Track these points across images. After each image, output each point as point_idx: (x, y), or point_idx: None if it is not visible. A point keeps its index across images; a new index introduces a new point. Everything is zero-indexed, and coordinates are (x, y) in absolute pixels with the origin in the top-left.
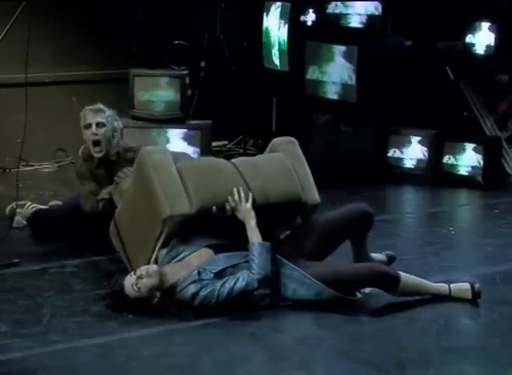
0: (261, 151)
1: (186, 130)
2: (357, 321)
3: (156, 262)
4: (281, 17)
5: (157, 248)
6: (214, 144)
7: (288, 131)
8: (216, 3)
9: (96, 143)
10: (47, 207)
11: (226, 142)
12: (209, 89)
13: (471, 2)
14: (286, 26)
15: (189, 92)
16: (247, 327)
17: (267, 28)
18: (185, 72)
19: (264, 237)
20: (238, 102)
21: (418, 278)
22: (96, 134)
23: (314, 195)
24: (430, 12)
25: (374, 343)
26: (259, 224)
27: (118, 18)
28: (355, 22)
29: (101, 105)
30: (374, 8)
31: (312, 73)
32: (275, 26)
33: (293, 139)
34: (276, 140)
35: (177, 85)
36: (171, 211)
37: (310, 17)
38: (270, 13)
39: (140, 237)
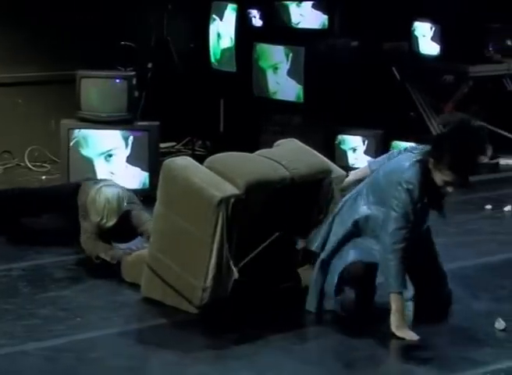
0: (210, 152)
1: (133, 132)
2: (307, 321)
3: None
4: (228, 18)
5: (214, 251)
6: (162, 145)
7: (236, 132)
8: (163, 4)
9: None
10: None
11: (174, 143)
12: (156, 90)
13: (417, 3)
14: (234, 27)
15: (136, 93)
16: (197, 328)
17: (214, 29)
18: (132, 73)
19: (300, 219)
20: (186, 104)
21: None
22: None
23: (338, 169)
24: (376, 13)
25: (324, 343)
26: (294, 204)
27: (64, 19)
28: (302, 23)
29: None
30: (321, 10)
31: (259, 74)
32: (222, 27)
33: (292, 139)
34: (277, 142)
35: (124, 86)
36: (221, 194)
37: (257, 18)
38: (217, 14)
39: (190, 255)
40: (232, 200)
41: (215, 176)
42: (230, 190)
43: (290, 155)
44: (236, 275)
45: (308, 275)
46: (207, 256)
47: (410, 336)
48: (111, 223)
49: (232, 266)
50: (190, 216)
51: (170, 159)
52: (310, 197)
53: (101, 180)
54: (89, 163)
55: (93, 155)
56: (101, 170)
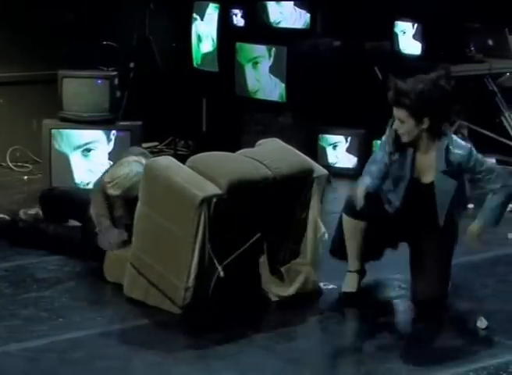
0: (192, 152)
1: (115, 132)
2: (289, 321)
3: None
4: (210, 18)
5: (196, 250)
6: (144, 145)
7: (218, 132)
8: (145, 3)
9: None
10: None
11: (157, 143)
12: (139, 90)
13: (399, 3)
14: (216, 26)
15: (118, 93)
16: (179, 329)
17: (196, 28)
18: (114, 73)
19: (282, 218)
20: (168, 103)
21: None
22: None
23: (320, 168)
24: (358, 13)
25: (306, 342)
26: (276, 203)
27: (46, 18)
28: (283, 22)
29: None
30: (300, 8)
31: (239, 72)
32: (204, 27)
33: (274, 138)
34: (259, 142)
35: (106, 86)
36: (203, 193)
37: (239, 18)
38: (199, 14)
39: (172, 254)
40: (215, 199)
41: (197, 176)
42: (212, 189)
43: (272, 155)
44: (221, 273)
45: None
46: (189, 256)
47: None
48: (113, 191)
49: (217, 265)
50: (172, 215)
51: (152, 159)
52: (292, 196)
53: (142, 156)
54: (68, 162)
55: (72, 153)
56: (80, 168)
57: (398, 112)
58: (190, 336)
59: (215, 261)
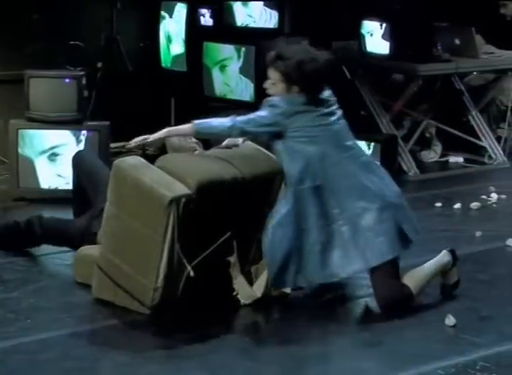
0: (161, 152)
1: (83, 132)
2: (258, 320)
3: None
4: (178, 17)
5: (165, 251)
6: (112, 145)
7: None
8: (112, 2)
9: None
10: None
11: (125, 143)
12: (106, 90)
13: (367, 2)
14: (184, 26)
15: (86, 93)
16: (148, 329)
17: (165, 27)
18: (81, 73)
19: (252, 218)
20: (136, 103)
21: (419, 272)
22: None
23: None
24: (326, 12)
25: (275, 341)
26: (246, 203)
27: (11, 18)
28: (251, 23)
29: None
30: (271, 8)
31: (206, 74)
32: (172, 27)
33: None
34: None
35: (74, 86)
36: (172, 194)
37: (207, 18)
38: (167, 13)
39: (140, 255)
40: (184, 199)
41: (166, 176)
42: (181, 189)
43: (241, 155)
44: (191, 273)
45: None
46: (158, 256)
47: None
48: None
49: (187, 264)
50: (140, 216)
51: (120, 159)
52: (261, 195)
53: None
54: (33, 166)
55: (38, 156)
56: (47, 171)
57: (271, 74)
58: (160, 336)
59: (185, 261)
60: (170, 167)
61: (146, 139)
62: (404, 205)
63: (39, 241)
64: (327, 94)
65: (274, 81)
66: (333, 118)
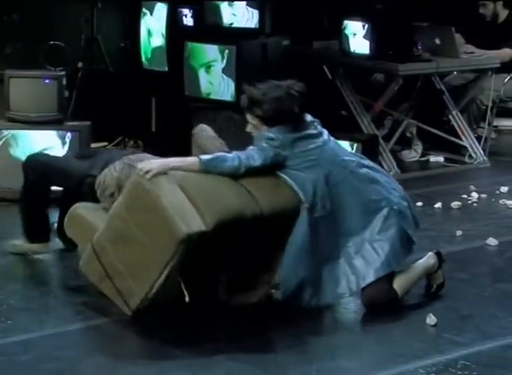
0: (142, 151)
1: (64, 132)
2: (240, 321)
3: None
4: (159, 17)
5: (165, 273)
6: (93, 145)
7: (168, 132)
8: (92, 2)
9: None
10: None
11: (106, 143)
12: (87, 90)
13: (347, 2)
14: (165, 26)
15: (66, 93)
16: (130, 330)
17: (145, 28)
18: (62, 73)
19: (268, 252)
20: (117, 103)
21: (407, 275)
22: None
23: None
24: (307, 12)
25: (257, 342)
26: (262, 238)
27: None
28: (236, 22)
29: None
30: (253, 8)
31: (191, 74)
32: (153, 26)
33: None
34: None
35: (54, 86)
36: (188, 230)
37: (188, 17)
38: (148, 13)
39: (139, 263)
40: (197, 236)
41: (186, 204)
42: (197, 226)
43: (264, 186)
44: (187, 299)
45: None
46: (157, 273)
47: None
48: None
49: (185, 292)
50: (150, 232)
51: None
52: (275, 232)
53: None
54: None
55: (22, 156)
56: None
57: (250, 120)
58: (141, 337)
59: (184, 288)
60: (192, 193)
61: (149, 172)
62: (410, 206)
63: (43, 185)
64: (308, 117)
65: (255, 125)
66: (325, 137)
